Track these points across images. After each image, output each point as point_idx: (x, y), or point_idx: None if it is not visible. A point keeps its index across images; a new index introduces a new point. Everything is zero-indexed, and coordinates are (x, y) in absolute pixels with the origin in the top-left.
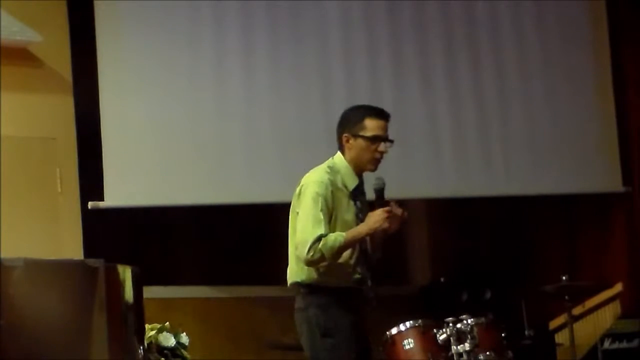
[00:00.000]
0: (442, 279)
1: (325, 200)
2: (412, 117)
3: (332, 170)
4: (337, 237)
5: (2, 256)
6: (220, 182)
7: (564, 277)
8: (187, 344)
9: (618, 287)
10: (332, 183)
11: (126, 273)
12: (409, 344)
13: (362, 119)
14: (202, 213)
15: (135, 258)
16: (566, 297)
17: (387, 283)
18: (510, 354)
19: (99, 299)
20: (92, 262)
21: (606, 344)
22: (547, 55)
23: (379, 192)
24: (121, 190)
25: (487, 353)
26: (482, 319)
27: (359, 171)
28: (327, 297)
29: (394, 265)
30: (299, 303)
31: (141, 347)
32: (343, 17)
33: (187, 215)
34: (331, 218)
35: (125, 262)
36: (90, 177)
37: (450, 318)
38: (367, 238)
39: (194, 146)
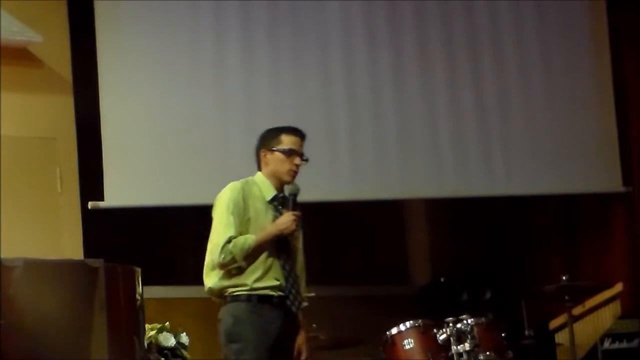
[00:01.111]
0: (442, 279)
1: (236, 204)
2: (412, 117)
3: (249, 182)
4: (247, 238)
5: (2, 256)
6: (220, 182)
7: (564, 277)
8: (187, 344)
9: (618, 287)
10: (245, 190)
11: (126, 273)
12: (409, 344)
13: (278, 135)
14: (202, 213)
15: (135, 258)
16: (566, 297)
17: (387, 283)
18: (510, 354)
19: (99, 299)
20: (92, 262)
21: (606, 344)
22: (547, 55)
23: (292, 196)
24: (121, 190)
25: (487, 353)
26: (482, 319)
27: (277, 184)
28: (242, 304)
29: (394, 265)
30: (219, 314)
31: (141, 347)
32: (343, 17)
33: (187, 215)
34: (246, 222)
35: (125, 262)
36: (90, 177)
37: (450, 318)
38: (295, 246)
39: (194, 146)
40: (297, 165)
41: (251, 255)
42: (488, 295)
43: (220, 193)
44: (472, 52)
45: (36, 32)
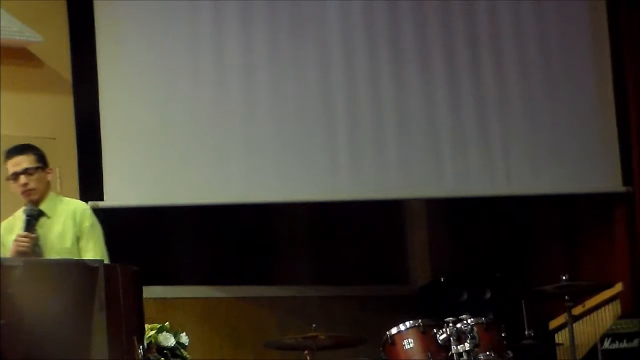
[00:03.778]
0: (442, 279)
1: None
2: (413, 117)
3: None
4: None
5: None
6: (220, 182)
7: (564, 277)
8: (187, 344)
9: (618, 287)
10: (10, 224)
11: (126, 273)
12: (409, 344)
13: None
14: (202, 213)
15: (135, 258)
16: (566, 297)
17: (387, 283)
18: (510, 354)
19: (99, 299)
20: (92, 262)
21: (606, 344)
22: (547, 55)
23: (28, 218)
24: (121, 190)
25: (487, 353)
26: (482, 319)
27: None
28: None
29: (394, 265)
30: None
31: (141, 347)
32: (343, 17)
33: (187, 215)
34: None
35: (125, 262)
36: (90, 177)
37: (450, 318)
38: None
39: (194, 146)
40: (25, 184)
41: None
42: (488, 295)
43: None
44: (472, 52)
45: (36, 32)
